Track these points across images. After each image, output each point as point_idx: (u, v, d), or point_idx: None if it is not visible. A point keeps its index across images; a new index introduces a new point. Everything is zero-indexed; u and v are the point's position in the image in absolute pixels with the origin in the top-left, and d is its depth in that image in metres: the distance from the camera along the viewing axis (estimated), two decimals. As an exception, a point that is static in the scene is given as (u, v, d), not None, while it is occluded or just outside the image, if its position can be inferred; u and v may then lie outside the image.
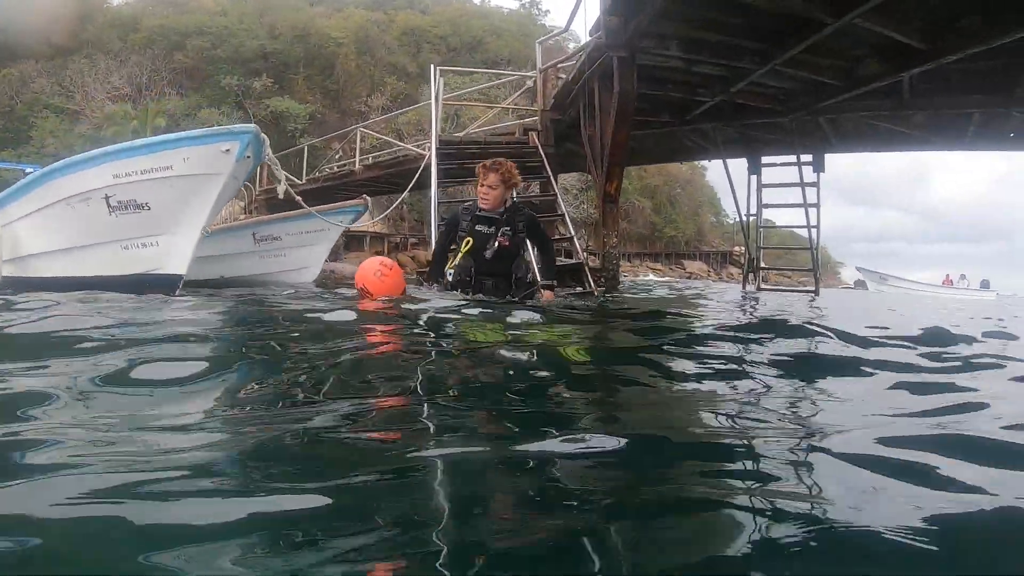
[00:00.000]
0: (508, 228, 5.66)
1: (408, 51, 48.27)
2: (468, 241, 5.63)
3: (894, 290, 30.40)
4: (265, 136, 10.06)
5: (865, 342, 3.90)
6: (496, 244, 5.60)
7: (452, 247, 5.91)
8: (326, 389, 2.40)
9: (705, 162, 50.36)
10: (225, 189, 10.00)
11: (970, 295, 31.06)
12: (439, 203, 10.78)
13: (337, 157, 26.75)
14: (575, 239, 10.56)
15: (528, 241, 6.09)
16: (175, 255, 10.07)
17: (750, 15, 9.11)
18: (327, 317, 4.43)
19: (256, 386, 2.37)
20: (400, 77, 44.66)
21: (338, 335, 3.84)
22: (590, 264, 10.32)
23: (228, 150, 9.59)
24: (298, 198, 11.95)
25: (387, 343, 3.72)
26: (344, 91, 43.61)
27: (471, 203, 5.95)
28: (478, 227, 5.68)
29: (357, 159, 20.36)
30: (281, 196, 11.12)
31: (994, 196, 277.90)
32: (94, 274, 10.02)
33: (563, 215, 11.19)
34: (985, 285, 33.80)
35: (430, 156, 11.96)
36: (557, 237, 11.46)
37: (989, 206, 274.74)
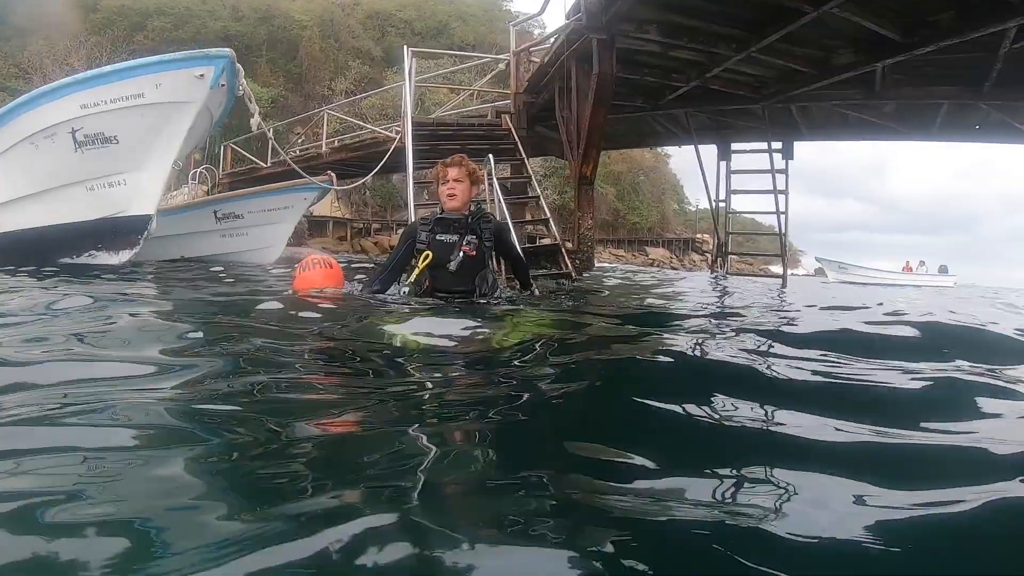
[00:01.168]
0: (473, 236, 4.96)
1: (373, 35, 47.91)
2: (427, 255, 4.89)
3: (854, 278, 30.74)
4: (240, 66, 9.85)
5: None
6: (460, 254, 4.88)
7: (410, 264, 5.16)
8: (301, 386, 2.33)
9: (669, 150, 50.84)
10: (198, 120, 9.72)
11: (929, 280, 31.65)
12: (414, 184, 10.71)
13: (300, 141, 26.42)
14: (551, 221, 10.55)
15: (496, 253, 5.28)
16: (143, 194, 9.77)
17: (731, 2, 9.19)
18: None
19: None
20: (364, 61, 44.31)
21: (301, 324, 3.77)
22: (566, 246, 10.34)
23: (202, 75, 9.34)
24: (271, 139, 11.77)
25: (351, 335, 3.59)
26: (308, 75, 43.16)
27: (430, 214, 5.28)
28: (440, 236, 4.96)
29: (323, 142, 20.10)
30: (255, 129, 10.94)
31: (951, 189, 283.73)
32: (57, 222, 9.73)
33: (538, 197, 11.18)
34: (943, 271, 34.41)
35: (403, 138, 11.89)
36: (531, 219, 11.46)
37: (946, 199, 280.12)
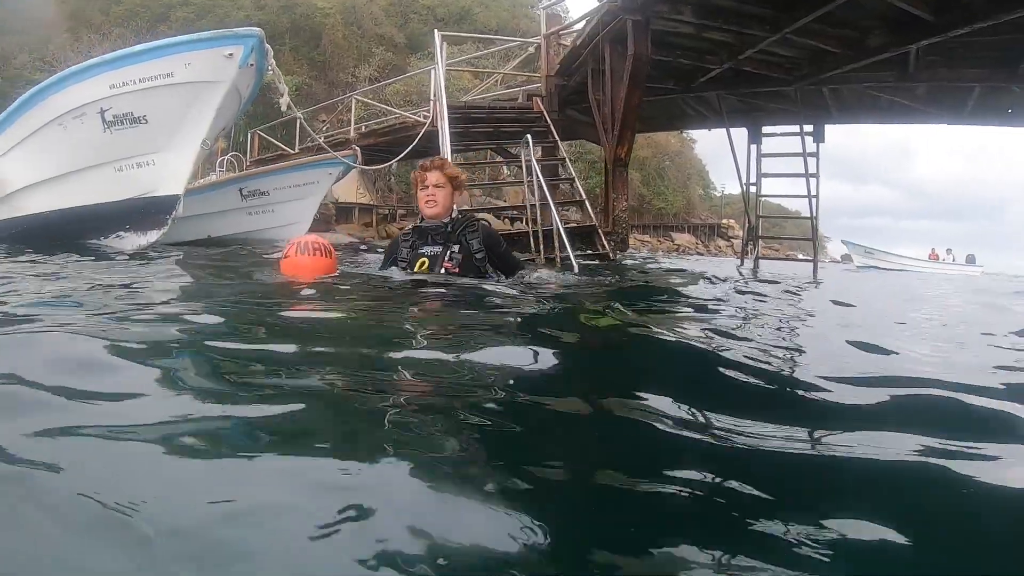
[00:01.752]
0: (456, 247, 4.48)
1: (395, 22, 47.93)
2: (423, 262, 4.46)
3: (880, 264, 30.46)
4: (269, 46, 9.86)
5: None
6: (442, 271, 4.41)
7: None
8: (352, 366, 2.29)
9: (694, 134, 50.65)
10: (227, 100, 9.70)
11: (956, 270, 31.19)
12: None
13: (324, 128, 26.50)
14: (586, 202, 10.59)
15: (488, 263, 4.62)
16: (171, 175, 9.77)
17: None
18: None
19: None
20: (388, 48, 44.33)
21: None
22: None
23: (231, 55, 9.32)
24: (299, 116, 11.85)
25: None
26: (331, 62, 43.19)
27: (410, 226, 4.85)
28: (421, 250, 4.53)
29: (352, 127, 20.18)
30: (284, 109, 10.97)
31: (978, 174, 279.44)
32: (84, 203, 9.75)
33: (572, 178, 11.21)
34: (971, 260, 33.73)
35: (434, 121, 11.94)
36: (564, 200, 11.46)
37: (973, 184, 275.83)
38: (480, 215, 14.71)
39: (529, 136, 8.94)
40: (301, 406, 1.62)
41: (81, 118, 9.52)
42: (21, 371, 1.74)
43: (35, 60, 36.52)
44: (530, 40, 15.67)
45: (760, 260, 15.67)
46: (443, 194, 4.53)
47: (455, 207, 4.68)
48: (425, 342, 2.74)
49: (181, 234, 11.22)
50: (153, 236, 9.90)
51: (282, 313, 3.34)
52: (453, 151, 11.05)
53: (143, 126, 9.52)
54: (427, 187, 4.55)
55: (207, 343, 2.35)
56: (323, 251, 4.62)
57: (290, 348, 2.40)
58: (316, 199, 15.68)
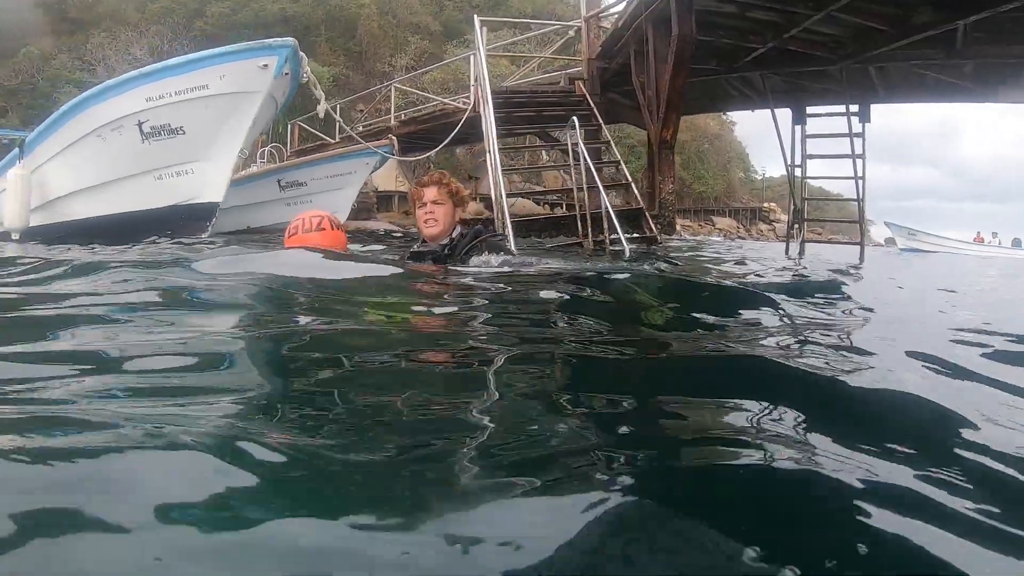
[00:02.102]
0: None
1: (430, 10, 47.88)
2: None
3: (924, 246, 29.89)
4: (303, 54, 9.99)
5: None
6: None
7: None
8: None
9: (734, 117, 50.00)
10: (263, 109, 9.89)
11: (1002, 253, 30.52)
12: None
13: (362, 118, 26.61)
14: (632, 185, 10.55)
15: None
16: (211, 182, 10.03)
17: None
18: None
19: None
20: (424, 36, 44.35)
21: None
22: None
23: (266, 65, 9.49)
24: (338, 118, 11.95)
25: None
26: (367, 52, 43.31)
27: (409, 253, 4.44)
28: None
29: (392, 115, 20.26)
30: (321, 115, 11.13)
31: None
32: (126, 210, 9.98)
33: (617, 161, 11.17)
34: (1017, 244, 32.95)
35: (476, 106, 11.96)
36: (609, 184, 11.44)
37: (1019, 164, 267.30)
38: (520, 200, 14.76)
39: (575, 118, 8.93)
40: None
41: (119, 130, 9.80)
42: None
43: (74, 59, 37.07)
44: (569, 24, 15.63)
45: (805, 244, 15.43)
46: (443, 211, 4.17)
47: (457, 225, 4.29)
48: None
49: (220, 225, 11.44)
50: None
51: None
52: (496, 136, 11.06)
53: (181, 136, 9.78)
54: (425, 204, 4.18)
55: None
56: (329, 224, 4.27)
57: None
58: (354, 189, 15.87)
